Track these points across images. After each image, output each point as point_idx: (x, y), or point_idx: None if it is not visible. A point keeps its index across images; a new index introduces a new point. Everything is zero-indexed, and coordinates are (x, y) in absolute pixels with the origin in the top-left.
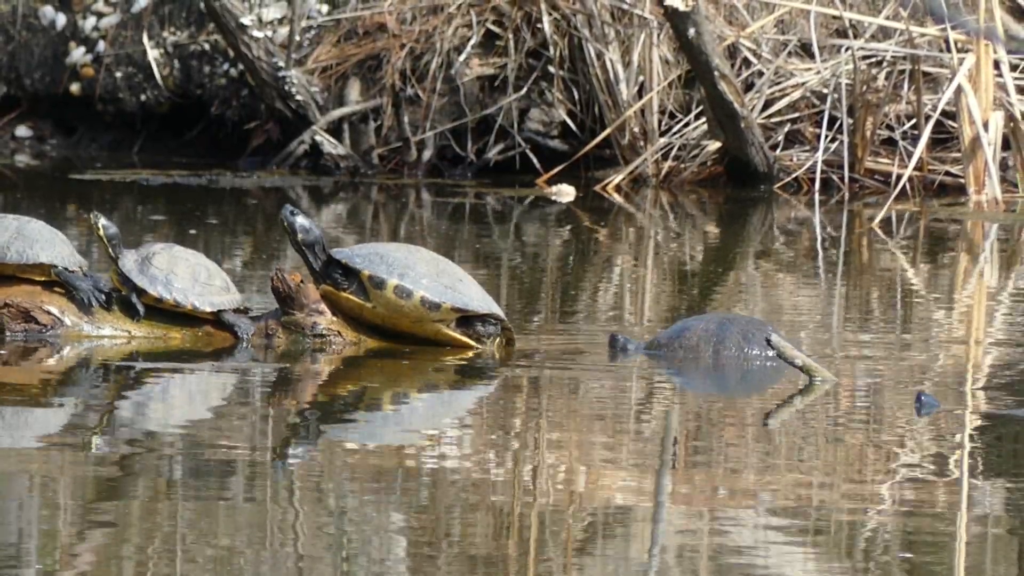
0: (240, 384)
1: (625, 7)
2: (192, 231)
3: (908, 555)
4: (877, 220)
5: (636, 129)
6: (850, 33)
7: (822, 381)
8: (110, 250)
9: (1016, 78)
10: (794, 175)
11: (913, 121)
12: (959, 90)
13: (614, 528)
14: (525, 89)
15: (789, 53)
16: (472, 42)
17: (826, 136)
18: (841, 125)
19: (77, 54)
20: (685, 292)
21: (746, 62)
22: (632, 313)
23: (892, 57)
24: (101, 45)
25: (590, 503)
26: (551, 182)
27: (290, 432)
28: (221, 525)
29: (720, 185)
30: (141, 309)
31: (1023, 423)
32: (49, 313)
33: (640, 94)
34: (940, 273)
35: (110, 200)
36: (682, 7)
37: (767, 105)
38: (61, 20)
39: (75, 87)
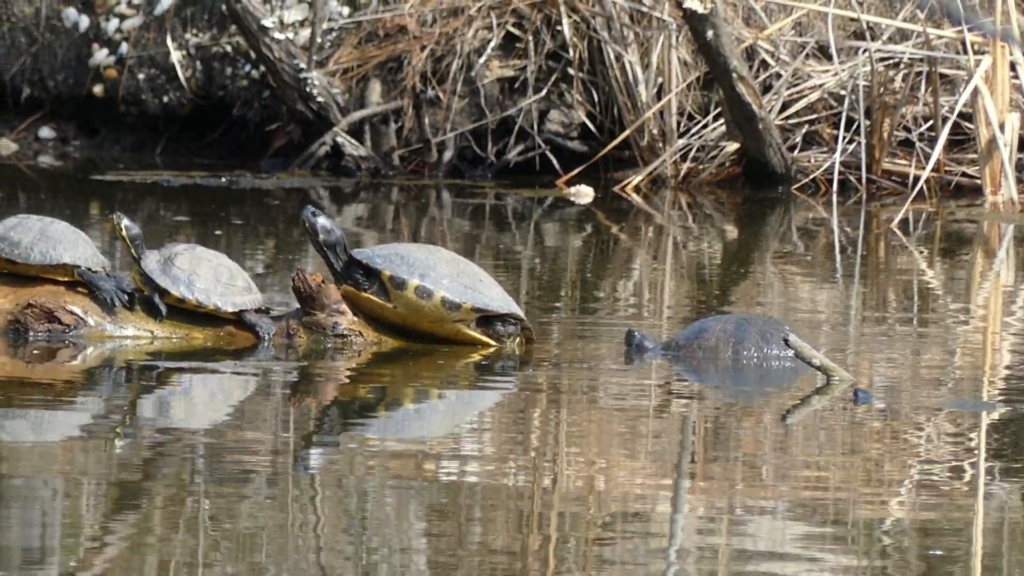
0: (261, 384)
1: (644, 9)
2: (218, 232)
3: (928, 551)
4: (896, 221)
5: (655, 130)
6: (867, 35)
7: (840, 381)
8: (133, 251)
9: None
10: (812, 176)
11: (930, 122)
12: (976, 92)
13: (633, 526)
14: (545, 91)
15: (807, 55)
16: (492, 44)
17: (843, 137)
18: (858, 126)
19: (100, 56)
20: (703, 292)
21: (764, 64)
22: (651, 313)
23: (909, 59)
24: (124, 47)
25: (610, 502)
26: (570, 183)
27: (311, 431)
28: (243, 524)
29: (738, 186)
30: (164, 309)
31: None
32: (72, 313)
33: (659, 96)
34: (957, 273)
35: (132, 201)
36: (700, 9)
37: (785, 107)
38: (84, 22)
39: (98, 89)
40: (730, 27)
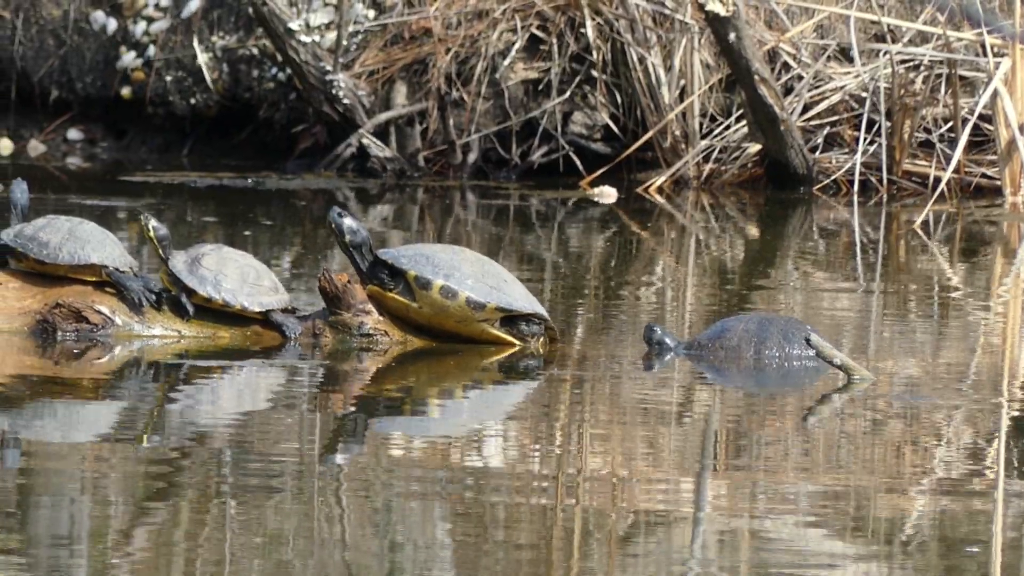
0: (288, 382)
1: (666, 12)
2: (247, 232)
3: (945, 550)
4: (918, 222)
5: (677, 132)
6: (888, 37)
7: (860, 379)
8: (160, 251)
9: None
10: (833, 177)
11: (950, 124)
12: (995, 93)
13: (656, 524)
14: (568, 93)
15: (828, 57)
16: (516, 47)
17: (864, 139)
18: (879, 128)
19: (128, 58)
20: (725, 292)
21: (786, 66)
22: (673, 313)
23: (929, 61)
24: (151, 49)
25: (633, 500)
26: (594, 184)
27: (337, 429)
28: (269, 521)
29: (760, 187)
30: (191, 309)
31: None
32: (100, 313)
33: (681, 98)
34: (977, 273)
35: (160, 202)
36: (723, 12)
37: (806, 108)
38: (112, 25)
39: (126, 91)
40: (752, 30)
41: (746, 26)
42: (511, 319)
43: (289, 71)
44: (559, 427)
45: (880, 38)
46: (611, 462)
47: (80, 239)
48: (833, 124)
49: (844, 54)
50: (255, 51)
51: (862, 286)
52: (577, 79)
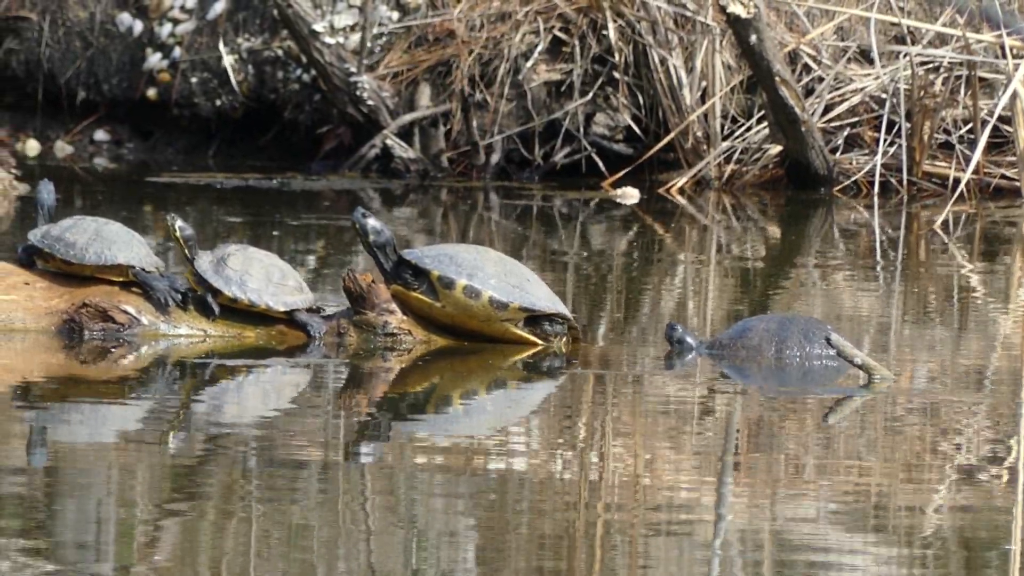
0: (312, 381)
1: (688, 14)
2: (275, 232)
3: (965, 548)
4: (939, 222)
5: (699, 133)
6: (908, 39)
7: (881, 379)
8: (186, 251)
9: None
10: (853, 178)
11: (970, 125)
12: (1015, 95)
13: (678, 523)
14: (591, 94)
15: (848, 59)
16: (539, 48)
17: (885, 140)
18: (899, 129)
19: (154, 60)
20: (746, 292)
21: (806, 68)
22: (695, 313)
23: (949, 63)
24: (177, 51)
25: (654, 499)
26: (616, 185)
27: (361, 428)
28: (294, 520)
29: (781, 188)
30: (216, 309)
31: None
32: (126, 313)
33: (703, 99)
34: (996, 274)
35: (186, 202)
36: (744, 14)
37: (827, 110)
38: (138, 27)
39: (152, 92)
40: (773, 32)
41: (767, 28)
42: (534, 318)
43: (314, 73)
44: (582, 426)
45: (900, 40)
46: (633, 460)
47: (106, 239)
48: (853, 125)
49: (864, 56)
50: (280, 53)
51: (882, 286)
52: (599, 80)
